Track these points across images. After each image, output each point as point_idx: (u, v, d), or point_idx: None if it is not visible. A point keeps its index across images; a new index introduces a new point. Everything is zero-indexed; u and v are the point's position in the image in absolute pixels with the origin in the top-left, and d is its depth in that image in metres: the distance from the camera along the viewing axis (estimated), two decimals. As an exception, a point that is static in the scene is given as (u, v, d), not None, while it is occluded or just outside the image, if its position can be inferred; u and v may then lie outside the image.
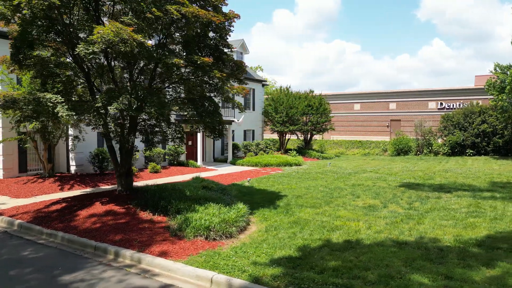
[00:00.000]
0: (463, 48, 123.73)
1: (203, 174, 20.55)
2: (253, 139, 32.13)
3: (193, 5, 10.81)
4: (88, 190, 15.12)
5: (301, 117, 32.58)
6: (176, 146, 23.16)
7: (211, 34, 12.04)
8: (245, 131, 31.24)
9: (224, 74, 11.21)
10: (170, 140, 13.77)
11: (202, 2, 11.52)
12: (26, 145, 16.06)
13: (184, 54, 11.78)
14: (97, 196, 12.45)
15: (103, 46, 8.99)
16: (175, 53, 10.53)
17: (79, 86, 12.04)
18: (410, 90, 40.94)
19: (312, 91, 35.32)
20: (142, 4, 9.52)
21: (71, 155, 19.11)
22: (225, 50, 12.35)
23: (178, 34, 11.21)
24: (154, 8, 9.69)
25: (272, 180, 19.21)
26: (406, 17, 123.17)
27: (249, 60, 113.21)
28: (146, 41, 9.39)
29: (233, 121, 26.23)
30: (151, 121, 13.16)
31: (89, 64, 11.49)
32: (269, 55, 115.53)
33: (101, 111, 9.80)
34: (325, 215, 11.52)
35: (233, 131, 29.61)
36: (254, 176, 20.60)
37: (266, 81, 34.25)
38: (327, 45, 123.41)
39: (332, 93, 45.20)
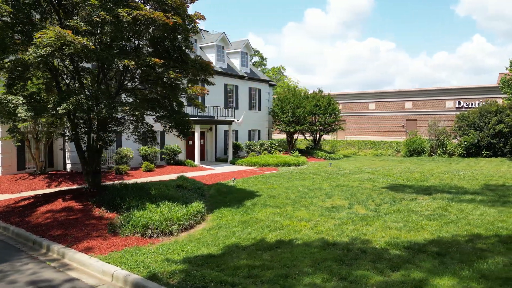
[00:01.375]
0: (506, 45, 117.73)
1: (194, 174, 20.93)
2: (259, 139, 32.21)
3: (147, 6, 11.08)
4: (74, 187, 15.76)
5: (309, 117, 32.27)
6: (173, 145, 23.69)
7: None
8: (250, 131, 31.37)
9: (179, 75, 11.42)
10: (142, 140, 14.12)
11: (161, 5, 11.78)
12: (17, 143, 16.95)
13: (150, 52, 12.14)
14: (67, 193, 13.01)
15: (50, 49, 9.41)
16: (128, 55, 10.82)
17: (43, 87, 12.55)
18: (427, 89, 39.59)
19: (321, 91, 34.94)
20: (88, 8, 9.88)
21: (66, 154, 19.98)
22: (187, 51, 12.55)
23: (131, 35, 11.49)
24: (102, 12, 10.04)
25: (259, 180, 19.25)
26: (444, 13, 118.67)
27: (274, 60, 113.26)
28: (90, 43, 9.72)
29: (233, 121, 26.43)
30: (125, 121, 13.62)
31: (58, 66, 12.01)
32: (300, 54, 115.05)
33: (52, 112, 10.26)
34: (281, 215, 11.48)
35: (236, 131, 29.86)
36: (246, 176, 20.71)
37: (272, 81, 34.23)
38: (360, 44, 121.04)
39: (347, 93, 44.49)
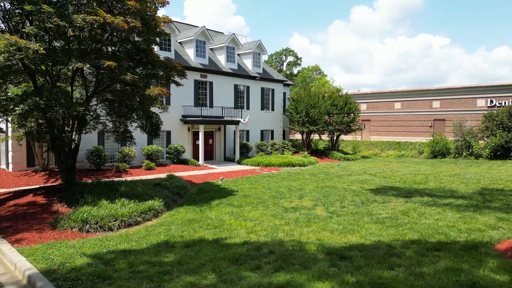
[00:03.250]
0: None
1: (191, 173, 21.41)
2: (272, 139, 32.16)
3: (102, 10, 11.57)
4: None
5: (323, 117, 31.72)
6: (176, 145, 24.34)
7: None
8: (262, 131, 31.42)
9: (136, 76, 11.82)
10: (120, 139, 14.74)
11: (123, 10, 12.27)
12: (20, 143, 18.27)
13: (111, 55, 12.66)
14: (44, 189, 13.86)
15: (7, 55, 10.16)
16: (84, 58, 11.38)
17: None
18: (456, 86, 37.46)
19: (339, 90, 34.24)
20: (41, 15, 10.53)
21: (73, 152, 21.19)
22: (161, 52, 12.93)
23: (89, 39, 12.04)
24: (55, 18, 10.67)
25: (250, 179, 19.31)
26: (505, 4, 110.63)
27: (319, 59, 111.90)
28: (41, 48, 10.35)
29: (239, 121, 26.64)
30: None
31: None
32: (346, 53, 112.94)
33: (13, 113, 11.04)
34: (234, 215, 11.54)
35: (247, 131, 30.05)
36: (242, 175, 20.83)
37: (286, 81, 33.94)
38: (411, 40, 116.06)
39: (372, 92, 43.17)
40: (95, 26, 11.18)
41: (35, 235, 9.12)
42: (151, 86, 12.89)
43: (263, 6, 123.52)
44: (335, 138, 35.06)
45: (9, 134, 18.93)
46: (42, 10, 10.57)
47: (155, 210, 11.63)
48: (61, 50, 11.49)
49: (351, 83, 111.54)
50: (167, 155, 24.29)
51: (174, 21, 29.39)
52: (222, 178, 18.88)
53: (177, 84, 14.09)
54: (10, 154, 19.80)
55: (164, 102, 24.51)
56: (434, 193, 15.12)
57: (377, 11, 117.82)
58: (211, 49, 29.30)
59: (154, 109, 15.29)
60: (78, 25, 10.95)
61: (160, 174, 20.27)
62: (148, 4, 12.81)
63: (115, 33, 12.06)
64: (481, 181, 18.06)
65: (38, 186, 15.17)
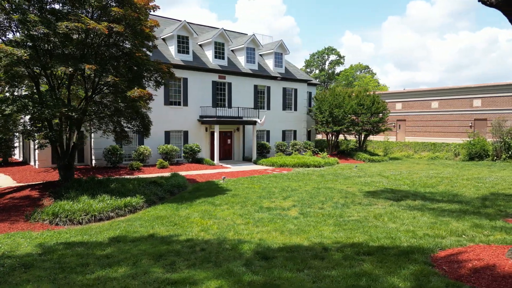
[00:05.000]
0: None
1: (200, 172, 21.93)
2: (294, 139, 31.92)
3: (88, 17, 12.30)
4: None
5: (348, 117, 30.91)
6: (192, 144, 25.00)
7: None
8: (284, 131, 31.29)
9: (117, 79, 12.41)
10: (117, 138, 15.53)
11: (108, 17, 12.95)
12: (41, 141, 19.76)
13: (96, 59, 13.41)
14: (43, 184, 14.95)
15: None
16: (67, 62, 12.16)
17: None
18: (500, 83, 34.78)
19: (366, 90, 33.20)
20: (28, 24, 11.43)
21: (93, 151, 22.57)
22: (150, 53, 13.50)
23: (73, 44, 12.82)
24: (40, 26, 11.54)
25: (253, 179, 19.40)
26: None
27: (371, 57, 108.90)
28: (25, 54, 11.23)
29: (256, 121, 26.78)
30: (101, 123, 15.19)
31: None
32: (401, 50, 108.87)
33: (4, 113, 12.07)
34: (205, 213, 11.77)
35: (268, 131, 30.12)
36: (250, 175, 20.94)
37: (311, 80, 33.47)
38: (474, 35, 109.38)
39: (407, 90, 41.29)
40: (78, 32, 11.90)
41: (7, 225, 9.96)
42: (136, 88, 13.47)
43: (314, 6, 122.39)
44: (362, 138, 34.01)
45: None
46: (28, 19, 11.49)
47: (132, 206, 12.15)
48: (44, 55, 12.36)
49: (406, 81, 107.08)
50: (184, 154, 25.00)
51: (193, 23, 30.20)
52: (224, 178, 19.14)
53: (163, 84, 14.55)
54: (36, 152, 21.48)
55: (182, 103, 25.34)
56: (434, 197, 14.32)
57: (436, 5, 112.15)
58: (232, 50, 29.71)
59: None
60: (61, 32, 11.74)
61: (169, 173, 20.97)
62: (138, 10, 13.41)
63: (101, 38, 12.73)
64: (496, 186, 16.76)
65: (42, 181, 16.38)
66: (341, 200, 13.69)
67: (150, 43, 16.07)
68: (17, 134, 14.13)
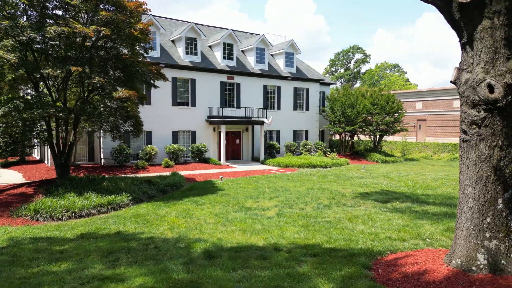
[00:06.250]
0: None
1: (203, 171, 22.19)
2: (306, 139, 31.64)
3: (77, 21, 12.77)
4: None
5: (361, 117, 30.32)
6: (198, 144, 25.33)
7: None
8: (295, 131, 31.09)
9: (103, 80, 12.81)
10: (113, 138, 16.01)
11: (96, 20, 13.39)
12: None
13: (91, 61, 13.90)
14: (40, 182, 15.62)
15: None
16: (55, 64, 12.67)
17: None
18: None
19: (382, 89, 32.42)
20: (16, 29, 12.02)
21: (102, 150, 23.34)
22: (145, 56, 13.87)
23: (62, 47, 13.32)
24: (29, 31, 12.10)
25: (252, 179, 19.44)
26: None
27: (404, 55, 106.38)
28: (14, 58, 11.81)
29: (263, 121, 26.78)
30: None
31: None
32: (437, 47, 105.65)
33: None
34: (181, 212, 11.93)
35: (278, 131, 30.03)
36: (251, 175, 20.98)
37: (323, 80, 33.05)
38: None
39: (427, 89, 39.97)
40: (66, 35, 12.39)
41: (-10, 220, 10.52)
42: (123, 89, 13.83)
43: (344, 4, 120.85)
44: (377, 139, 33.26)
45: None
46: (17, 25, 12.07)
47: (116, 204, 12.50)
48: (34, 58, 12.93)
49: (442, 79, 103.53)
50: (191, 154, 25.37)
51: (202, 25, 30.56)
52: (222, 177, 19.30)
53: (153, 86, 14.85)
54: (49, 150, 22.45)
55: (190, 104, 25.73)
56: (427, 199, 13.86)
57: None
58: (242, 51, 29.84)
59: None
60: (49, 36, 12.26)
61: (168, 172, 21.36)
62: (128, 14, 13.80)
63: (89, 41, 13.19)
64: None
65: (40, 179, 17.12)
66: (326, 201, 13.50)
67: (147, 45, 16.49)
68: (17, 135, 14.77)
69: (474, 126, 5.62)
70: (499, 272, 5.40)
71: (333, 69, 79.97)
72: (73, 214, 11.34)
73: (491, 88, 5.38)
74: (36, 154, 28.48)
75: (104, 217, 11.50)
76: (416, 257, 6.61)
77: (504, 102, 5.32)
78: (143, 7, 14.95)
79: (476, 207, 5.64)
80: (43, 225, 10.50)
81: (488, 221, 5.54)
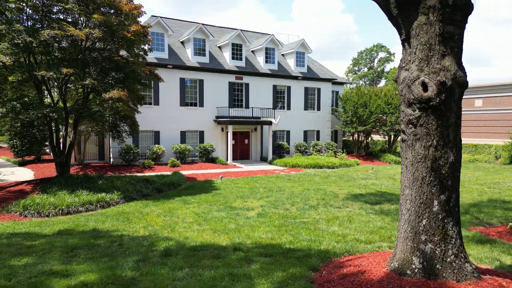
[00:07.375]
0: None
1: (206, 171, 22.39)
2: (317, 139, 31.32)
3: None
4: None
5: (373, 117, 29.70)
6: (205, 144, 25.58)
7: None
8: (305, 131, 30.83)
9: (94, 81, 13.17)
10: (113, 137, 16.44)
11: (90, 23, 13.79)
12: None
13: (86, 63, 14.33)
14: (41, 180, 16.21)
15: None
16: (49, 67, 13.12)
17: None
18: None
19: (396, 88, 31.58)
20: (13, 34, 12.54)
21: (111, 150, 23.98)
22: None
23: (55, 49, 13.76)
24: (24, 35, 12.61)
25: (252, 179, 19.43)
26: None
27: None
28: (9, 60, 12.33)
29: (271, 121, 26.71)
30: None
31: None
32: (472, 44, 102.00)
33: (-3, 114, 13.34)
34: (165, 210, 12.09)
35: (288, 131, 29.89)
36: (253, 175, 20.95)
37: (335, 79, 32.58)
38: None
39: (448, 88, 38.64)
40: (60, 38, 12.83)
41: (-19, 215, 11.03)
42: (114, 90, 14.15)
43: (371, 3, 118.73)
44: (391, 139, 32.49)
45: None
46: (13, 28, 12.61)
47: (105, 202, 12.81)
48: (35, 60, 13.45)
49: (477, 78, 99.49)
50: (198, 153, 25.63)
51: (211, 25, 30.78)
52: (222, 177, 19.40)
53: (148, 87, 15.12)
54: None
55: (198, 104, 26.02)
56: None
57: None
58: (252, 51, 29.88)
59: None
60: (43, 39, 12.73)
61: (173, 171, 21.66)
62: (123, 16, 14.14)
63: (81, 43, 13.60)
64: (506, 192, 15.32)
65: (42, 177, 17.76)
66: (315, 202, 13.34)
67: (146, 47, 16.83)
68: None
69: (410, 125, 5.44)
70: (434, 277, 5.19)
71: (356, 68, 78.70)
72: (61, 211, 11.72)
73: (425, 86, 5.19)
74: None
75: (89, 214, 11.81)
76: (365, 259, 6.45)
77: (437, 101, 5.11)
78: (140, 9, 15.27)
79: (413, 209, 5.45)
80: (28, 221, 10.91)
81: (424, 223, 5.34)
